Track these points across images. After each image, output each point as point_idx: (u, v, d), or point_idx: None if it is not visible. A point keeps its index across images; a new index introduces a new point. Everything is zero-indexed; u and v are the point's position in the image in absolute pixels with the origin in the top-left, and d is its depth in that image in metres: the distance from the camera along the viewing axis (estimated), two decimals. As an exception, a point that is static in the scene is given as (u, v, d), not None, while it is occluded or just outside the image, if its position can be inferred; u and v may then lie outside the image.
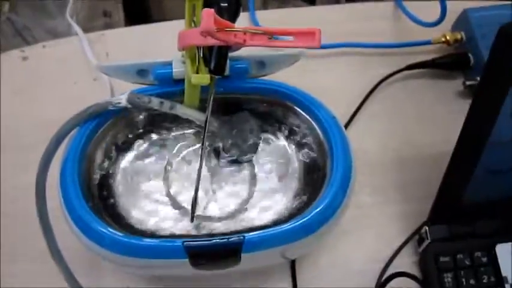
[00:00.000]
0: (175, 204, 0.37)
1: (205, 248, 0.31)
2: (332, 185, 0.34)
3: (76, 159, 0.34)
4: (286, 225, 0.32)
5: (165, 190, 0.38)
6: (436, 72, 0.51)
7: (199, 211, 0.37)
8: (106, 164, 0.37)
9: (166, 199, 0.37)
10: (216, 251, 0.32)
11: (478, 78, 0.47)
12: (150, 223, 0.36)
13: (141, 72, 0.36)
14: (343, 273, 0.43)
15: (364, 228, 0.44)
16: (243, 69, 0.36)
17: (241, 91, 0.37)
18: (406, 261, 0.43)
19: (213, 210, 0.37)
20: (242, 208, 0.37)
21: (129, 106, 0.35)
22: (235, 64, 0.35)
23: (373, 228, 0.44)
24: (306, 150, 0.38)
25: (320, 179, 0.36)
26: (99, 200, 0.35)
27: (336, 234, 0.43)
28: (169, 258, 0.32)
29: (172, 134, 0.39)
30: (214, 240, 0.31)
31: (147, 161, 0.38)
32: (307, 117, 0.37)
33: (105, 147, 0.37)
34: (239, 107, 0.38)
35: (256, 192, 0.38)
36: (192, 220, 0.35)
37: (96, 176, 0.36)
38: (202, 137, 0.35)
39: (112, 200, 0.36)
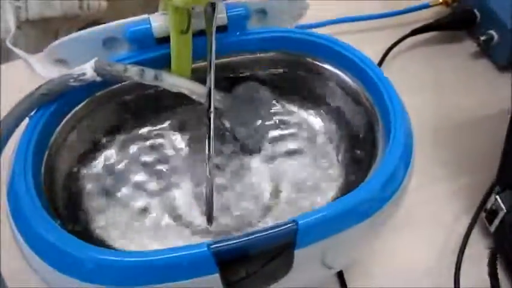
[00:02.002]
0: (173, 213, 0.27)
1: (244, 249, 0.21)
2: (393, 152, 0.24)
3: (28, 162, 0.23)
4: (345, 199, 0.23)
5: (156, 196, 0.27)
6: (441, 36, 0.46)
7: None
8: (76, 164, 0.26)
9: (157, 208, 0.27)
10: (260, 253, 0.21)
11: (492, 32, 0.43)
12: (136, 241, 0.25)
13: (110, 42, 0.27)
14: (402, 278, 0.33)
15: (415, 220, 0.35)
16: (243, 16, 0.27)
17: (245, 48, 0.28)
18: (477, 249, 0.34)
19: (227, 214, 0.27)
20: (265, 207, 0.28)
21: (98, 79, 0.25)
22: (232, 9, 0.27)
23: (426, 217, 0.35)
24: (344, 120, 0.29)
25: (367, 155, 0.27)
26: (65, 214, 0.24)
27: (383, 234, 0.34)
28: (185, 278, 0.21)
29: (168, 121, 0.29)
30: (254, 237, 0.21)
31: (134, 157, 0.28)
32: (344, 76, 0.28)
33: (77, 141, 0.26)
34: (243, 75, 0.29)
35: (281, 183, 0.28)
36: (210, 221, 0.24)
37: (61, 181, 0.25)
38: (207, 114, 0.25)
39: (82, 213, 0.25)
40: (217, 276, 0.21)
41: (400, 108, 0.26)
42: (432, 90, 0.43)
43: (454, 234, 0.34)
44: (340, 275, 0.32)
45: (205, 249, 0.20)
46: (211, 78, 0.25)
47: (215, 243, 0.20)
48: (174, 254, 0.20)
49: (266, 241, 0.21)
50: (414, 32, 0.44)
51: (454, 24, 0.45)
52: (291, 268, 0.22)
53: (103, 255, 0.20)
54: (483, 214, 0.34)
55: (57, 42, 0.28)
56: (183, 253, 0.20)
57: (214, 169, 0.24)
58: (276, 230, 0.21)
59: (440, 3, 0.45)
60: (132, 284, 0.20)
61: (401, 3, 0.47)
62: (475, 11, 0.44)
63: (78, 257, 0.20)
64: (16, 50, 0.46)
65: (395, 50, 0.44)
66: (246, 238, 0.21)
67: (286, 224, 0.21)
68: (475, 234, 0.34)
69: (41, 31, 0.66)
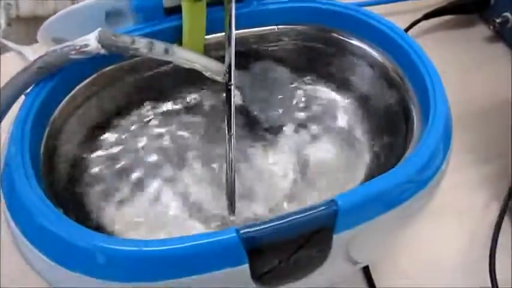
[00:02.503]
0: (187, 202, 0.24)
1: (277, 234, 0.18)
2: (434, 132, 0.22)
3: (25, 145, 0.20)
4: (384, 178, 0.20)
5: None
6: (454, 20, 0.44)
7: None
8: (78, 148, 0.23)
9: (170, 196, 0.24)
10: (295, 238, 0.18)
11: (507, 14, 0.41)
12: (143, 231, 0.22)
13: (113, 16, 0.24)
14: (433, 271, 0.30)
15: (442, 208, 0.32)
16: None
17: (263, 20, 0.25)
18: (509, 237, 0.32)
19: (246, 200, 0.25)
20: (290, 193, 0.25)
21: (103, 51, 0.22)
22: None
23: (453, 205, 0.33)
24: (373, 100, 0.26)
25: (399, 137, 0.24)
26: (66, 202, 0.21)
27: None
28: (210, 270, 0.18)
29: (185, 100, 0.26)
30: (289, 220, 0.18)
31: (144, 142, 0.25)
32: (373, 51, 0.25)
33: (81, 122, 0.23)
34: (261, 50, 0.27)
35: (307, 169, 0.26)
36: (232, 210, 0.21)
37: (63, 166, 0.22)
38: (227, 87, 0.23)
39: (86, 202, 0.22)
40: (245, 267, 0.18)
41: (441, 86, 0.23)
42: (450, 76, 0.40)
43: (484, 222, 0.32)
44: (366, 272, 0.29)
45: (234, 234, 0.18)
46: (231, 45, 0.22)
47: (245, 227, 0.18)
48: (199, 241, 0.17)
49: (303, 224, 0.18)
50: (426, 16, 0.42)
51: (467, 8, 0.43)
52: (327, 257, 0.20)
53: (118, 245, 0.17)
54: (514, 200, 0.32)
55: (54, 16, 0.25)
56: (209, 240, 0.17)
57: (235, 150, 0.21)
58: (314, 211, 0.18)
59: (452, -13, 0.44)
60: (150, 279, 0.18)
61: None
62: (488, -7, 0.42)
63: (88, 249, 0.17)
64: (7, 43, 0.43)
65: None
66: (280, 222, 0.18)
67: (324, 204, 0.18)
68: (506, 221, 0.32)
69: (32, 29, 0.63)
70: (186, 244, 0.17)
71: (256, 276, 0.19)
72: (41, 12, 0.63)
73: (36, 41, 0.26)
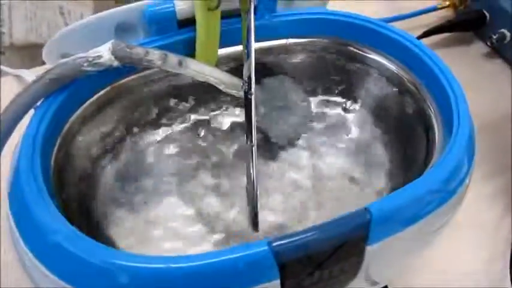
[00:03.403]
0: (205, 216, 0.23)
1: (310, 247, 0.17)
2: (459, 141, 0.21)
3: (36, 161, 0.19)
4: (413, 186, 0.19)
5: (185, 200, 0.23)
6: (450, 38, 0.44)
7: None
8: (90, 163, 0.22)
9: (187, 210, 0.23)
10: (327, 251, 0.17)
11: (504, 31, 0.42)
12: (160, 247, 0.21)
13: (122, 29, 0.24)
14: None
15: (458, 222, 0.32)
16: (272, -1, 0.24)
17: (276, 33, 0.25)
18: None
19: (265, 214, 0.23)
20: (311, 205, 0.24)
21: (116, 63, 0.21)
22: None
23: (469, 219, 0.32)
24: (389, 112, 0.26)
25: (418, 149, 0.24)
26: (78, 219, 0.20)
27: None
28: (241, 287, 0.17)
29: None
30: (321, 231, 0.17)
31: (156, 155, 0.24)
32: (387, 61, 0.25)
33: (93, 136, 0.22)
34: (273, 63, 0.26)
35: (321, 183, 0.25)
36: (256, 225, 0.20)
37: (74, 182, 0.20)
38: (246, 97, 0.22)
39: (98, 217, 0.21)
40: (276, 284, 0.17)
41: (463, 94, 0.23)
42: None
43: (500, 234, 0.31)
44: (384, 288, 0.28)
45: (266, 247, 0.16)
46: (250, 55, 0.21)
47: (277, 239, 0.17)
48: (229, 256, 0.16)
49: (336, 235, 0.17)
50: (425, 34, 0.42)
51: (464, 25, 0.43)
52: (358, 272, 0.19)
53: (143, 262, 0.16)
54: (528, 213, 0.32)
55: (61, 31, 0.24)
56: (241, 254, 0.16)
57: (257, 162, 0.21)
58: (347, 220, 0.17)
59: (448, 6, 0.45)
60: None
61: (403, 7, 0.46)
62: (484, 11, 0.43)
63: (109, 268, 0.16)
64: (5, 68, 0.42)
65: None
66: (313, 233, 0.17)
67: (358, 213, 0.18)
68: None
69: (27, 57, 0.62)
70: (216, 259, 0.16)
71: (287, 290, 0.18)
72: (34, 40, 0.62)
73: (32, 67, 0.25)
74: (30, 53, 0.58)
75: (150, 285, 0.16)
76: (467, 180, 0.22)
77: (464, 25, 0.44)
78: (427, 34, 0.43)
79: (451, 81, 0.23)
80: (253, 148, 0.21)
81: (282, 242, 0.17)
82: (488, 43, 0.43)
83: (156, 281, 0.16)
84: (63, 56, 0.24)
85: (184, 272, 0.16)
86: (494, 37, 0.42)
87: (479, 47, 0.45)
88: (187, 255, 0.16)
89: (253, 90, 0.21)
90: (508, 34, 0.41)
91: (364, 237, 0.18)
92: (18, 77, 0.39)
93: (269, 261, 0.17)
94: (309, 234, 0.17)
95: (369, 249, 0.18)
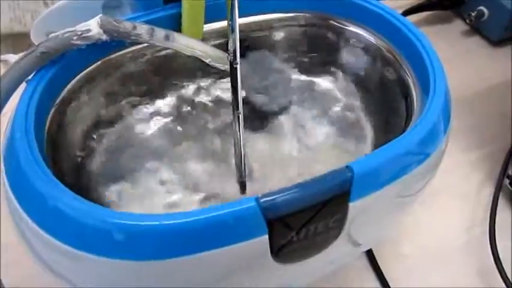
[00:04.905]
0: (195, 184, 0.24)
1: (296, 203, 0.18)
2: (435, 104, 0.22)
3: (30, 132, 0.19)
4: (393, 145, 0.20)
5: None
6: (430, 16, 0.46)
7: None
8: (81, 137, 0.22)
9: (176, 178, 0.23)
10: (312, 207, 0.18)
11: (482, 8, 0.43)
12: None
13: (108, 8, 0.24)
14: (436, 254, 0.31)
15: (438, 192, 0.33)
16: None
17: (260, 7, 0.26)
18: (504, 216, 0.32)
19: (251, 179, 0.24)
20: (298, 171, 0.25)
21: (104, 37, 0.22)
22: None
23: (448, 188, 0.34)
24: (369, 81, 0.27)
25: (398, 116, 0.25)
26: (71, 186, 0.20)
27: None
28: (230, 243, 0.17)
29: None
30: (306, 187, 0.18)
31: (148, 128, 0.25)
32: (366, 33, 0.26)
33: (85, 109, 0.23)
34: (257, 38, 0.27)
35: (307, 151, 0.26)
36: (243, 188, 0.21)
37: (66, 153, 0.21)
38: (231, 65, 0.23)
39: (92, 189, 0.22)
40: (265, 239, 0.18)
41: (438, 60, 0.24)
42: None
43: (480, 203, 0.33)
44: (370, 256, 0.29)
45: (254, 203, 0.17)
46: (235, 28, 0.22)
47: (264, 196, 0.18)
48: (220, 212, 0.17)
49: (321, 191, 0.18)
50: (405, 13, 0.44)
51: (444, 4, 0.45)
52: (342, 229, 0.20)
53: (137, 220, 0.17)
54: (506, 181, 0.33)
55: (48, 10, 0.25)
56: (230, 210, 0.17)
57: (243, 126, 0.21)
58: (330, 177, 0.18)
59: (427, -15, 0.46)
60: (170, 255, 0.17)
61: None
62: (463, -10, 0.44)
63: (105, 227, 0.17)
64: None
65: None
66: (299, 189, 0.18)
67: (341, 170, 0.18)
68: (500, 201, 0.33)
69: (11, 46, 0.62)
70: (206, 215, 0.17)
71: (274, 249, 0.19)
72: (19, 29, 0.62)
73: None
74: (14, 43, 0.58)
75: (145, 242, 0.17)
76: (443, 145, 0.23)
77: (444, 4, 0.45)
78: (407, 13, 0.44)
79: (427, 49, 0.24)
80: (240, 116, 0.21)
81: (269, 198, 0.18)
82: (468, 20, 0.44)
83: (149, 237, 0.17)
84: (50, 34, 0.25)
85: (175, 228, 0.17)
86: (473, 14, 0.43)
87: (458, 25, 0.46)
88: (179, 212, 0.17)
89: (238, 60, 0.22)
90: (486, 11, 0.43)
91: (347, 192, 0.19)
92: (5, 62, 0.39)
93: (257, 217, 0.17)
94: (295, 190, 0.18)
95: (352, 205, 0.19)
